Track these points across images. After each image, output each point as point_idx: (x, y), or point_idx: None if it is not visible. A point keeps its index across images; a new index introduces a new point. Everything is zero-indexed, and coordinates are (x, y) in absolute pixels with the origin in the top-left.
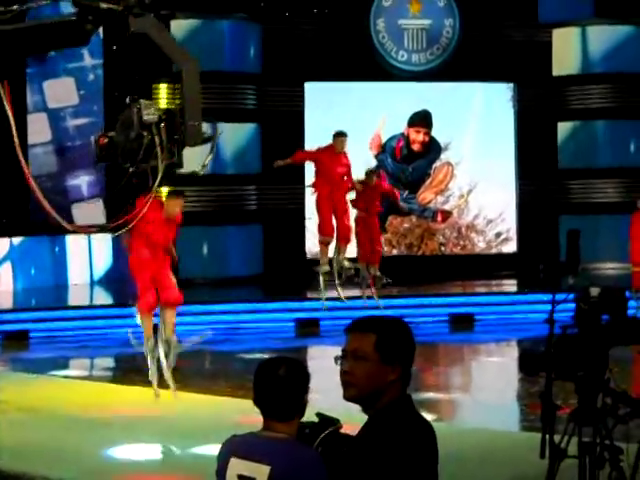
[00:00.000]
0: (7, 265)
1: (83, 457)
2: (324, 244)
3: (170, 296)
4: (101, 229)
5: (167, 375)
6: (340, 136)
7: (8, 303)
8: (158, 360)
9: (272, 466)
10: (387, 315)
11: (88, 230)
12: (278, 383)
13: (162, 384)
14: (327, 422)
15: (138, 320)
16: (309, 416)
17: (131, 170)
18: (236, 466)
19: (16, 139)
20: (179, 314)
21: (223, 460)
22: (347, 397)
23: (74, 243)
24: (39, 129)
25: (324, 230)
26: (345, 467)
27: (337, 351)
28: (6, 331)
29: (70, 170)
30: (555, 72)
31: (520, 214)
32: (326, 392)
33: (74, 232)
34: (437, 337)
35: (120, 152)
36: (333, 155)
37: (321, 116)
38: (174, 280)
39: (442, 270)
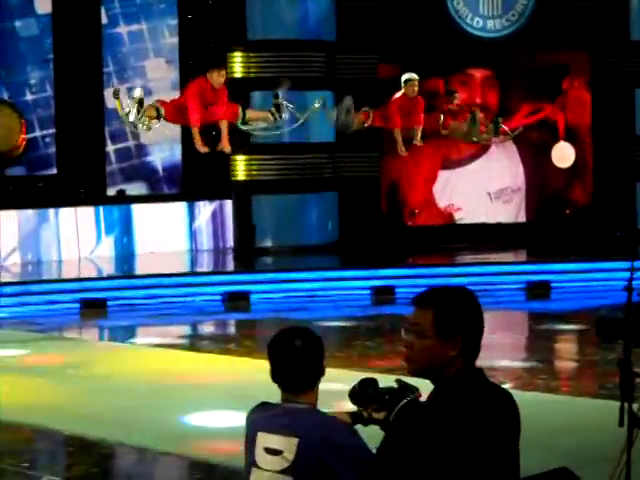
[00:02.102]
0: (85, 233)
1: (160, 424)
2: None
3: None
4: None
5: None
6: (410, 81)
7: (87, 271)
8: None
9: (299, 437)
10: (451, 285)
11: None
12: (296, 355)
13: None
14: (406, 389)
15: None
16: (390, 382)
17: None
18: (263, 439)
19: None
20: (256, 283)
21: (250, 433)
22: (409, 372)
23: (147, 212)
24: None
25: None
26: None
27: None
28: (85, 299)
29: None
30: (632, 37)
31: (596, 181)
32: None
33: None
34: (513, 305)
35: None
36: (407, 102)
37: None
38: None
39: (517, 237)
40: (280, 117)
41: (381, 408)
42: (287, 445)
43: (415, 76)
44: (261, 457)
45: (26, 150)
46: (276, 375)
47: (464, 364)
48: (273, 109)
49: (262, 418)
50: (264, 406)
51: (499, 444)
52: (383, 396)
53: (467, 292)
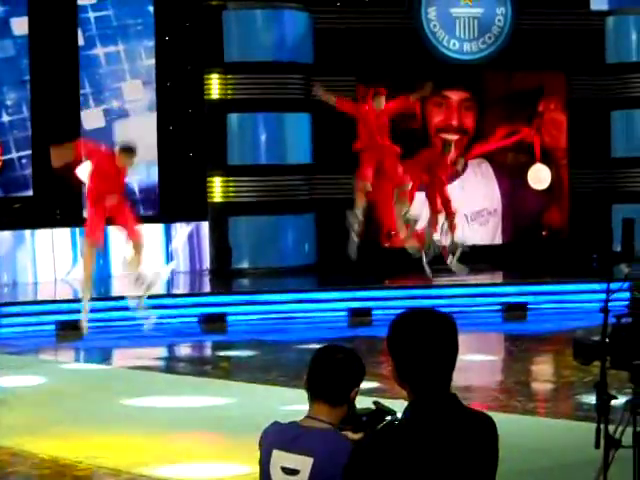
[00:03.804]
0: (61, 255)
1: (136, 446)
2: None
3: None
4: None
5: None
6: (378, 95)
7: (63, 293)
8: None
9: (314, 458)
10: (420, 308)
11: None
12: (337, 364)
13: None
14: (384, 412)
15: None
16: (367, 404)
17: None
18: (279, 458)
19: None
20: (232, 304)
21: (266, 451)
22: None
23: (124, 233)
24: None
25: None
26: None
27: None
28: (61, 321)
29: None
30: (608, 60)
31: (573, 202)
32: (381, 381)
33: None
34: (490, 326)
35: None
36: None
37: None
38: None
39: (494, 259)
40: None
41: (358, 429)
42: (303, 465)
43: None
44: (279, 476)
45: (2, 171)
46: (312, 380)
47: (412, 389)
48: None
49: (278, 436)
50: (279, 425)
51: (460, 472)
52: (360, 417)
53: (419, 316)
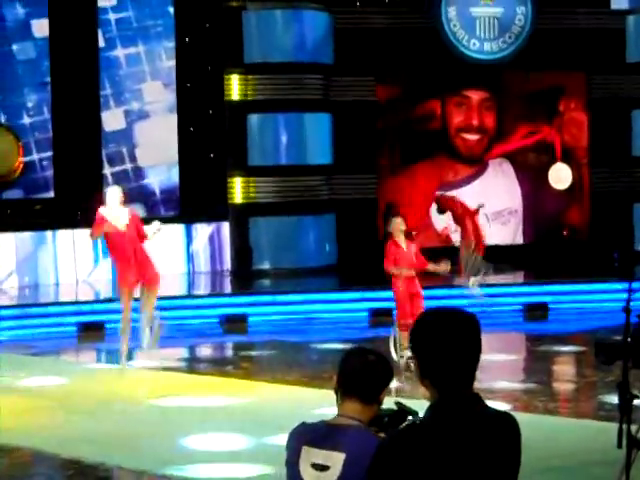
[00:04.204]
0: (83, 256)
1: (158, 447)
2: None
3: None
4: None
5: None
6: (394, 217)
7: (84, 294)
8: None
9: (346, 453)
10: (443, 307)
11: None
12: (370, 363)
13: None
14: (405, 412)
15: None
16: (389, 404)
17: None
18: (309, 454)
19: None
20: (253, 305)
21: (293, 449)
22: None
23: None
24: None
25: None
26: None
27: None
28: (83, 322)
29: None
30: (628, 59)
31: (594, 202)
32: (401, 381)
33: None
34: (511, 326)
35: None
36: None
37: (391, 105)
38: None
39: (515, 259)
40: None
41: (380, 429)
42: (335, 460)
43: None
44: (308, 473)
45: (23, 173)
46: (344, 377)
47: (435, 388)
48: None
49: (307, 434)
50: (307, 424)
51: (482, 472)
52: (382, 418)
53: (443, 315)
